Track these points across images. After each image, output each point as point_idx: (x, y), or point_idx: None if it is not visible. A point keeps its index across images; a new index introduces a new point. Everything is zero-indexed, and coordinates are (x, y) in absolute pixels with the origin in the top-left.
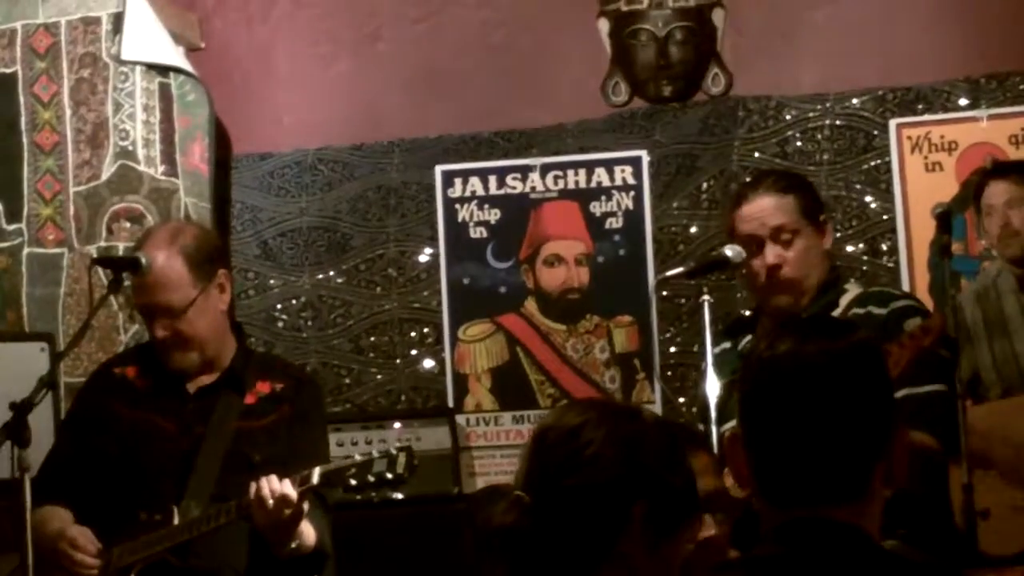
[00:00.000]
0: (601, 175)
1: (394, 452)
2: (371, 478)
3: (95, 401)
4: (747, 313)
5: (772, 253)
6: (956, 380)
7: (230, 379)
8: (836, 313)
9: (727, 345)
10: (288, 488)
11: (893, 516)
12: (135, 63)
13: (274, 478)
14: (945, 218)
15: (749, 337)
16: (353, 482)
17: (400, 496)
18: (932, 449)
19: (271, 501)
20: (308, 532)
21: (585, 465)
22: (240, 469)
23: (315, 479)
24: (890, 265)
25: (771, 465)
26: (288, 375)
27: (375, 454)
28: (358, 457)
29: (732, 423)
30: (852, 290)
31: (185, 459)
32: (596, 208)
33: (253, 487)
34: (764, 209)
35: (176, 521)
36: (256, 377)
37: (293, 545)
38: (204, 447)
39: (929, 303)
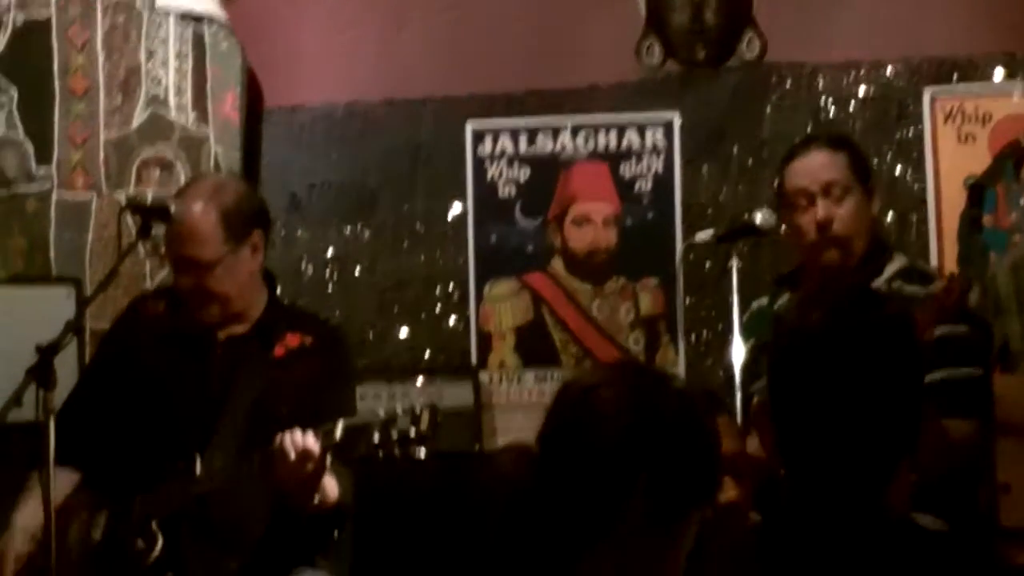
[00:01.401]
0: (632, 137)
1: (418, 410)
2: (395, 435)
3: (123, 342)
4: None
5: (823, 208)
6: (989, 358)
7: (260, 331)
8: (878, 283)
9: (763, 301)
10: (311, 442)
11: (917, 492)
12: (169, 11)
13: (297, 431)
14: (977, 191)
15: (787, 296)
16: (376, 438)
17: (423, 455)
18: (976, 438)
19: (293, 454)
20: (330, 487)
21: (595, 424)
22: (266, 422)
23: (338, 433)
24: (920, 236)
25: (795, 436)
26: (318, 329)
27: (399, 411)
28: (382, 413)
29: (760, 383)
30: (897, 261)
31: (211, 409)
32: (626, 170)
33: (276, 439)
34: (817, 164)
35: (199, 471)
36: (285, 330)
37: (315, 501)
38: (231, 398)
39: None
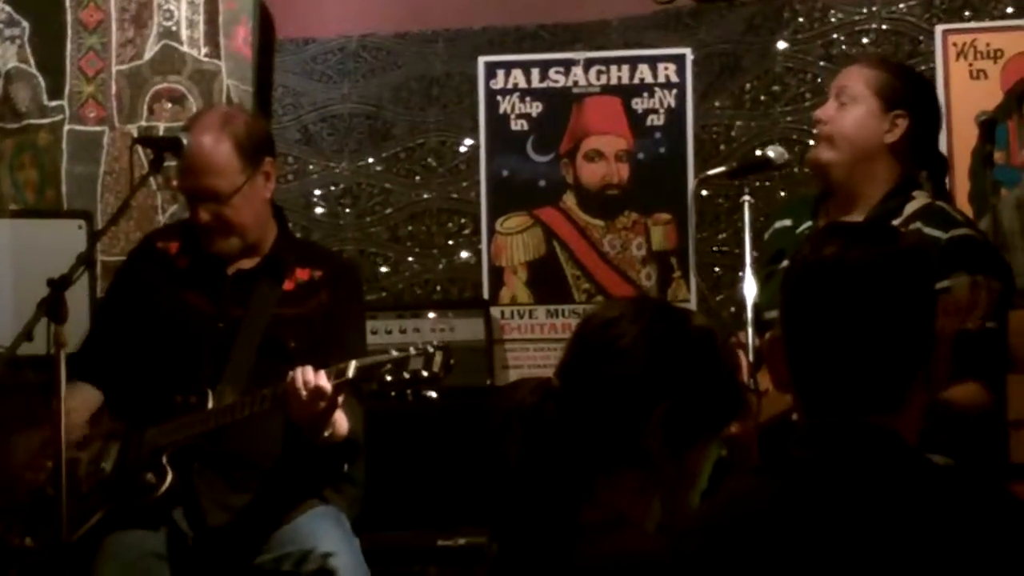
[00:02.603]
0: (644, 72)
1: (431, 350)
2: (406, 375)
3: (136, 276)
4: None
5: (825, 106)
6: (1007, 311)
7: (270, 265)
8: (897, 221)
9: (787, 223)
10: (323, 380)
11: (927, 429)
12: None
13: (309, 369)
14: (988, 126)
15: (809, 223)
16: (388, 378)
17: (435, 396)
18: (984, 404)
19: (305, 392)
20: (341, 422)
21: (614, 356)
22: (276, 355)
23: (350, 373)
24: None
25: (810, 369)
26: (328, 263)
27: (412, 351)
28: (395, 353)
29: (771, 313)
30: (919, 199)
31: (221, 342)
32: (638, 105)
33: (288, 377)
34: (847, 71)
35: (210, 405)
36: (296, 264)
37: (326, 434)
38: (241, 332)
39: (969, 211)
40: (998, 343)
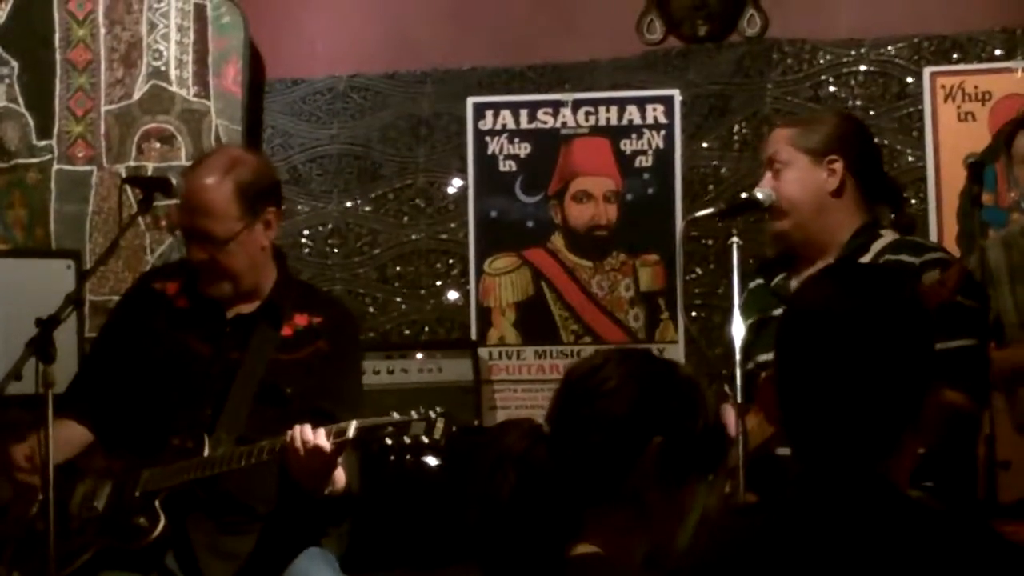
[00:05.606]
0: (633, 113)
1: (433, 416)
2: (407, 440)
3: (132, 317)
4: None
5: (763, 180)
6: (986, 330)
7: (268, 310)
8: (866, 259)
9: (760, 281)
10: (322, 440)
11: (917, 469)
12: None
13: (307, 428)
14: (977, 168)
15: (782, 275)
16: (389, 441)
17: (434, 464)
18: (966, 408)
19: (303, 452)
20: (340, 477)
21: (601, 397)
22: (272, 401)
23: (351, 433)
24: (919, 213)
25: (801, 414)
26: (327, 309)
27: (414, 415)
28: (396, 416)
29: (761, 357)
30: (887, 236)
31: (218, 387)
32: (627, 146)
33: (287, 435)
34: (770, 139)
35: (206, 452)
36: (294, 309)
37: (325, 492)
38: (238, 377)
39: (957, 253)
40: (978, 358)
